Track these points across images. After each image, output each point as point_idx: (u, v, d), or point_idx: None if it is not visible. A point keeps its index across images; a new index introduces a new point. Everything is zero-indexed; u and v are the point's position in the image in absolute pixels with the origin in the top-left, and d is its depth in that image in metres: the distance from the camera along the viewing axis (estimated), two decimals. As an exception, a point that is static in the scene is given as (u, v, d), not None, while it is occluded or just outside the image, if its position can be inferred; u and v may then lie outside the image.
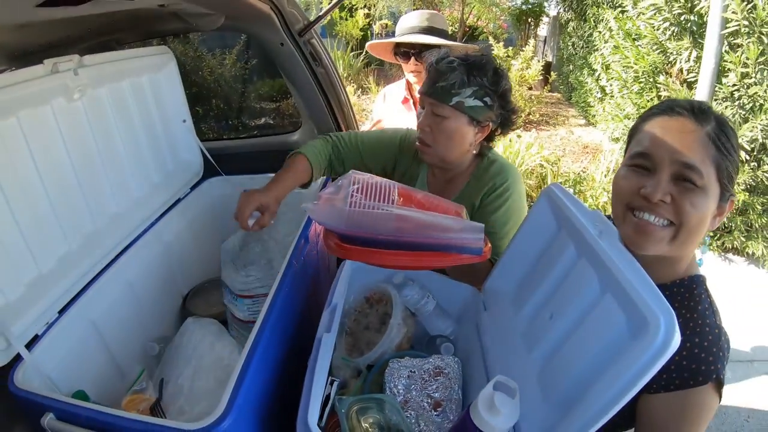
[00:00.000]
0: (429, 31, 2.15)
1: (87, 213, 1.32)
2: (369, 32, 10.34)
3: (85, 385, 1.14)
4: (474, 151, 1.42)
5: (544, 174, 4.63)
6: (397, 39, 2.14)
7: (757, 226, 4.25)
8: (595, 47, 6.05)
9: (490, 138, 1.44)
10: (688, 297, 0.92)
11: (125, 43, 1.76)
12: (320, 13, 1.96)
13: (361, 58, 9.46)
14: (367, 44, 2.31)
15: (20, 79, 1.10)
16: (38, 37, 1.34)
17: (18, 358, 1.01)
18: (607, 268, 0.84)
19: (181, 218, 1.71)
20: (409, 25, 2.17)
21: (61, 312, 1.16)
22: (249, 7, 1.59)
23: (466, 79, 1.31)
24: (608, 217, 1.01)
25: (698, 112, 0.86)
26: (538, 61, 6.80)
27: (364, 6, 9.99)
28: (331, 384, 0.99)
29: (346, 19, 9.81)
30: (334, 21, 9.81)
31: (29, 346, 1.05)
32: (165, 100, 1.67)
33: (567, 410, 0.80)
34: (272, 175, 1.54)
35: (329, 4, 2.15)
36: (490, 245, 1.06)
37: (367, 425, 0.95)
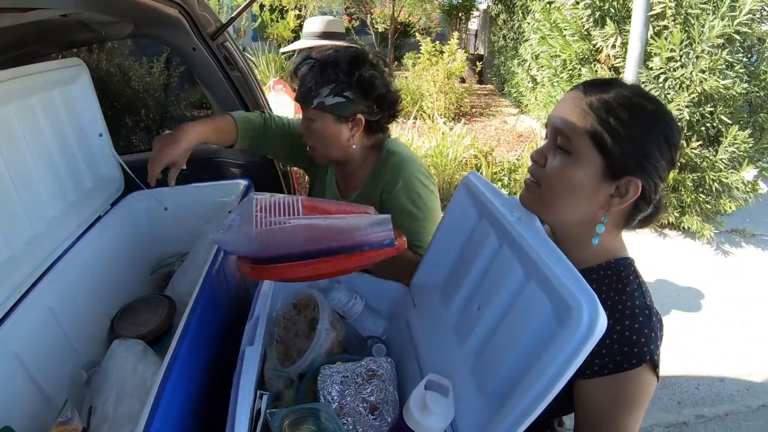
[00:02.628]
0: (326, 36, 2.20)
1: (0, 239, 1.25)
2: (300, 33, 10.25)
3: (13, 420, 1.09)
4: (356, 145, 1.40)
5: (478, 165, 4.71)
6: (293, 47, 2.21)
7: (689, 201, 4.49)
8: (525, 38, 6.26)
9: (375, 129, 1.41)
10: (616, 280, 0.94)
11: (40, 57, 1.67)
12: (232, 15, 1.93)
13: (293, 59, 9.33)
14: (281, 50, 2.38)
15: None
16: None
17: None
18: (527, 255, 0.85)
19: (102, 236, 1.63)
20: (309, 31, 2.24)
21: (-24, 345, 1.10)
22: (155, 13, 1.55)
23: (320, 79, 1.31)
24: None
25: (591, 85, 0.91)
26: (464, 53, 6.92)
27: (295, 7, 9.91)
28: (261, 398, 0.97)
29: (277, 21, 9.71)
30: (264, 24, 9.72)
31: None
32: (79, 114, 1.59)
33: (502, 402, 0.80)
34: (198, 185, 1.50)
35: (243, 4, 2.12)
36: (404, 238, 1.07)
37: (303, 436, 0.94)
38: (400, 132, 4.98)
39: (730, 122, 4.07)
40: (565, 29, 4.69)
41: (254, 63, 8.78)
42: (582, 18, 4.50)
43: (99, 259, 1.61)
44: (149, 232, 1.88)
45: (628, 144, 0.87)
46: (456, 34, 7.31)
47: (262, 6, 9.64)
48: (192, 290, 1.22)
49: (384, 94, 1.36)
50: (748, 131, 4.12)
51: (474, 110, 7.78)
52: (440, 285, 1.18)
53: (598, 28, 4.43)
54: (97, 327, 1.55)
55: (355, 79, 1.30)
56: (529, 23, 5.94)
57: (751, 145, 4.20)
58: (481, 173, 4.43)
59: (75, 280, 1.48)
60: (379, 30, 9.54)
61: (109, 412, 1.20)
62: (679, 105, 3.98)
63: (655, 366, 0.86)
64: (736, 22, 3.73)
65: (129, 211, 1.82)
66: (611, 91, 0.88)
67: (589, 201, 0.91)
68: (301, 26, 10.07)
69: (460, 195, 1.13)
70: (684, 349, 3.35)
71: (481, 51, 9.88)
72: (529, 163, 0.98)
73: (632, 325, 0.87)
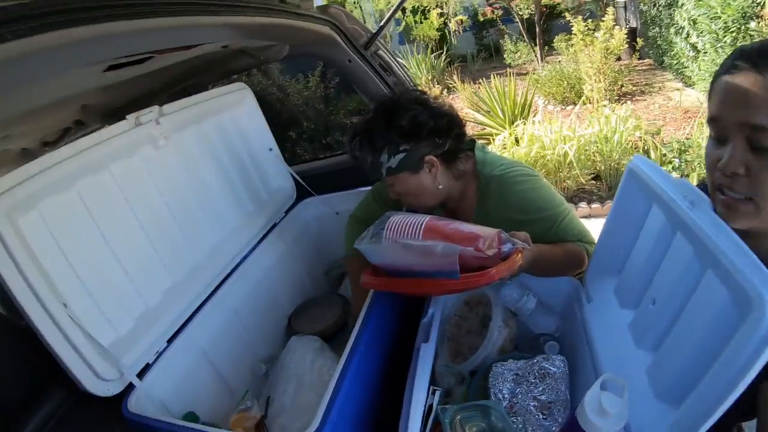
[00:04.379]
0: None
1: (186, 248, 1.42)
2: (446, 31, 10.30)
3: (197, 406, 1.23)
4: (444, 184, 1.33)
5: (645, 147, 4.22)
6: None
7: None
8: (679, 3, 5.46)
9: (452, 157, 1.32)
10: None
11: (205, 86, 1.89)
12: (380, 24, 1.97)
13: (443, 57, 9.46)
14: None
15: (107, 136, 1.22)
16: (123, 93, 1.49)
17: (131, 386, 1.11)
18: (702, 242, 0.77)
19: (279, 242, 1.79)
20: None
21: (170, 341, 1.26)
22: (309, 33, 1.64)
23: (373, 151, 1.29)
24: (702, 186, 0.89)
25: (758, 57, 0.71)
26: (621, 29, 6.23)
27: (437, 6, 9.94)
28: (433, 393, 0.99)
29: (421, 23, 9.87)
30: (409, 27, 9.95)
31: (142, 374, 1.15)
32: (248, 132, 1.76)
33: (678, 404, 0.75)
34: (364, 189, 1.58)
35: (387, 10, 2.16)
36: (508, 262, 1.02)
37: (472, 433, 0.93)
38: (562, 120, 4.65)
39: None
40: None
41: (405, 66, 8.93)
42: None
43: (276, 262, 1.76)
44: (322, 236, 2.02)
45: None
46: (610, 10, 6.63)
47: (404, 9, 9.81)
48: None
49: (435, 124, 1.28)
50: None
51: (635, 89, 6.98)
52: (614, 279, 1.12)
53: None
54: (275, 325, 1.70)
55: (400, 131, 1.26)
56: (681, -15, 5.18)
57: None
58: (649, 157, 3.98)
59: (255, 282, 1.63)
60: (524, 16, 9.08)
61: (287, 403, 1.30)
62: None
63: None
64: None
65: (302, 217, 1.97)
66: None
67: None
68: (445, 24, 10.11)
69: (627, 182, 1.05)
70: None
71: (633, 24, 8.81)
72: (701, 142, 0.81)
73: None
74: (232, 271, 1.55)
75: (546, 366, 1.04)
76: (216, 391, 1.37)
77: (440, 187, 1.31)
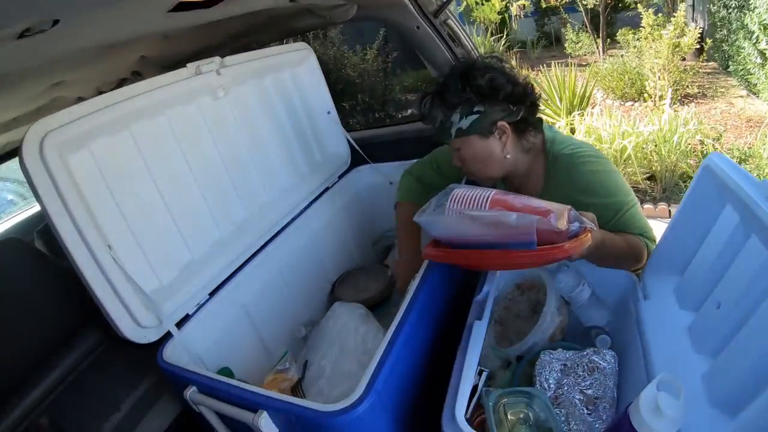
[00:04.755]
0: None
1: (237, 202, 1.41)
2: (507, 15, 9.98)
3: (232, 362, 1.22)
4: (511, 154, 1.26)
5: (705, 152, 3.99)
6: None
7: None
8: (752, 6, 5.02)
9: (524, 129, 1.25)
10: None
11: (265, 44, 1.85)
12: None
13: (502, 41, 9.18)
14: None
15: (166, 82, 1.20)
16: (183, 46, 1.47)
17: (169, 335, 1.11)
18: None
19: (329, 206, 1.76)
20: None
21: (212, 294, 1.26)
22: None
23: (445, 109, 1.23)
24: None
25: None
26: (693, 28, 5.82)
27: None
28: (480, 374, 0.94)
29: (482, 4, 9.54)
30: (470, 7, 9.65)
31: (180, 324, 1.15)
32: (308, 93, 1.72)
33: (735, 415, 0.73)
34: (417, 160, 1.53)
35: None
36: (578, 239, 0.95)
37: (514, 419, 0.89)
38: (621, 115, 4.46)
39: None
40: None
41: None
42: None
43: (325, 226, 1.73)
44: (373, 205, 1.97)
45: None
46: (682, 5, 6.17)
47: None
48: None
49: (512, 90, 1.22)
50: None
51: (698, 91, 6.58)
52: (675, 278, 1.07)
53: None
54: (318, 289, 1.68)
55: (476, 90, 1.20)
56: (756, -14, 4.73)
57: None
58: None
59: (302, 244, 1.61)
60: (589, 6, 8.65)
61: (327, 368, 1.27)
62: None
63: None
64: None
65: (355, 184, 1.93)
66: None
67: None
68: (507, 7, 9.78)
69: (702, 178, 1.00)
70: None
71: (700, 24, 8.21)
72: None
73: None
74: (281, 230, 1.53)
75: (596, 360, 1.00)
76: (253, 349, 1.36)
77: (508, 156, 1.25)
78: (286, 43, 1.67)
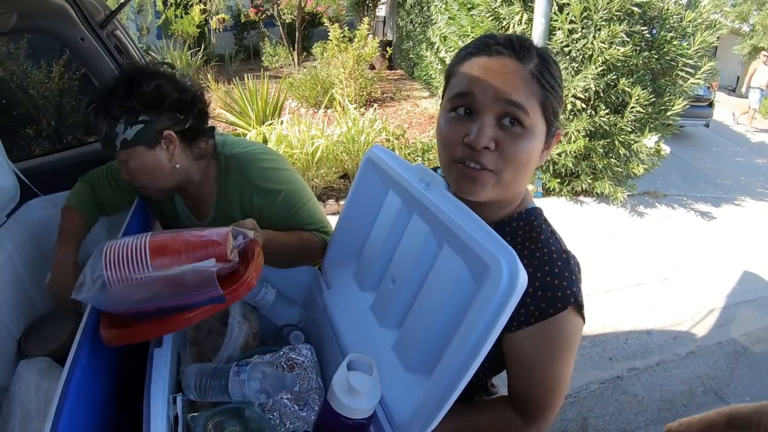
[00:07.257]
0: None
1: None
2: (206, 28, 10.04)
3: None
4: (181, 164, 1.25)
5: (391, 147, 4.78)
6: None
7: (600, 167, 4.81)
8: (433, 21, 6.32)
9: (193, 137, 1.26)
10: (529, 229, 0.91)
11: None
12: (121, 1, 1.79)
13: (200, 55, 9.20)
14: None
15: None
16: None
17: None
18: (438, 220, 0.83)
19: (-1, 251, 1.45)
20: None
21: None
22: (40, 1, 1.38)
23: (109, 118, 1.16)
24: (435, 169, 0.96)
25: (519, 49, 0.82)
26: (374, 38, 6.96)
27: (200, 1, 9.60)
28: (174, 402, 0.87)
29: (181, 17, 9.36)
30: (169, 20, 9.37)
31: None
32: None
33: (430, 373, 0.77)
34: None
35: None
36: (255, 262, 0.93)
37: (230, 436, 0.86)
38: (311, 121, 4.94)
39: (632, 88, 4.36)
40: (475, 8, 4.80)
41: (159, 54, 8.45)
42: (490, -3, 4.61)
43: (-3, 275, 1.42)
44: (51, 242, 1.68)
45: (559, 102, 0.86)
46: (366, 19, 7.30)
47: (165, 2, 9.25)
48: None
49: (179, 97, 1.21)
50: (651, 96, 4.45)
51: (385, 95, 7.86)
52: (353, 264, 1.14)
53: (506, 6, 4.58)
54: (3, 351, 1.37)
55: (141, 99, 1.16)
56: (436, 5, 6.01)
57: (652, 108, 4.53)
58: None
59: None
60: (287, 21, 9.42)
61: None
62: (586, 76, 4.20)
63: (580, 307, 0.84)
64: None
65: (28, 221, 1.62)
66: (535, 54, 0.83)
67: (536, 166, 0.87)
68: (206, 21, 9.86)
69: (365, 170, 1.09)
70: (610, 308, 3.50)
71: (389, 37, 9.97)
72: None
73: (552, 270, 0.84)
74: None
75: (293, 356, 1.03)
76: None
77: (177, 166, 1.22)
78: None
